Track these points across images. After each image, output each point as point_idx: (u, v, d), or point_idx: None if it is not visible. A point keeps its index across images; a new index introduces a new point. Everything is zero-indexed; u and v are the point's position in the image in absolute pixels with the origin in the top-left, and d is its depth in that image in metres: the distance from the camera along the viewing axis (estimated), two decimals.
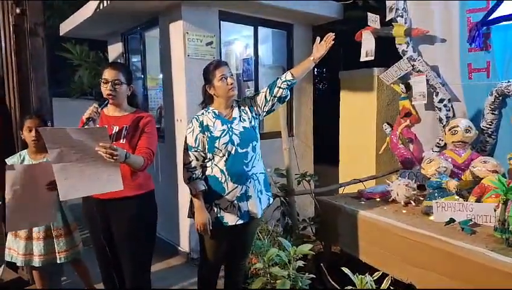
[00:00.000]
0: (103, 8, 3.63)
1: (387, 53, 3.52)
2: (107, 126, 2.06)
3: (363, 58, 3.54)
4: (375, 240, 2.63)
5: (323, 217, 3.19)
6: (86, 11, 4.03)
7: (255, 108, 2.40)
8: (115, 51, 4.95)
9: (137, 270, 2.35)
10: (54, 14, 7.27)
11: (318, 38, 2.35)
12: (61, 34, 5.02)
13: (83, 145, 1.92)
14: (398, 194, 2.84)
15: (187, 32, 3.47)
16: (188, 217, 2.41)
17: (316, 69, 5.52)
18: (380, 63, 3.74)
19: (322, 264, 2.49)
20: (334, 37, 2.31)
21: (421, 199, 2.84)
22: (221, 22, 3.74)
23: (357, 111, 4.24)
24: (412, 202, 2.83)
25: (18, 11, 2.91)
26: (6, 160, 2.60)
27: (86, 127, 2.03)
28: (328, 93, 6.03)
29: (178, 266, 3.73)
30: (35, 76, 2.97)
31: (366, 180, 3.49)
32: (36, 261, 2.59)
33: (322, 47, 2.31)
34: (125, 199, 2.20)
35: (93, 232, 2.39)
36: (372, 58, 3.46)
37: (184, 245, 3.84)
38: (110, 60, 5.13)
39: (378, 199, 3.01)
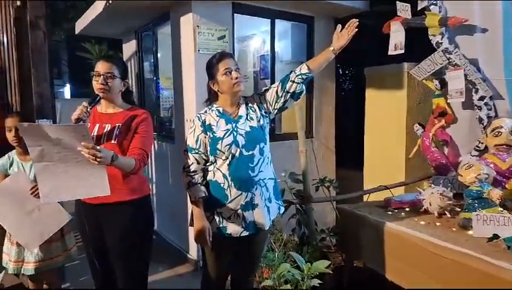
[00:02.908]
0: (112, 3, 3.52)
1: (419, 46, 3.23)
2: (90, 122, 1.88)
3: (391, 52, 3.27)
4: (403, 256, 2.40)
5: (344, 228, 2.98)
6: (97, 8, 3.94)
7: (265, 105, 2.18)
8: (129, 49, 4.90)
9: (132, 281, 2.18)
10: (78, 15, 7.34)
11: (339, 26, 2.10)
12: (76, 33, 5.01)
13: (65, 144, 1.77)
14: (430, 204, 2.59)
15: (197, 26, 3.31)
16: (190, 225, 2.20)
17: (338, 64, 5.25)
18: (411, 57, 3.48)
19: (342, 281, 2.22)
20: (357, 24, 2.04)
21: (458, 210, 2.57)
22: (235, 14, 3.56)
23: (384, 110, 4.01)
24: (447, 213, 2.57)
25: (18, 3, 2.85)
26: None
27: (65, 124, 1.85)
28: (353, 91, 5.78)
29: (186, 274, 3.62)
30: (36, 72, 2.85)
31: (394, 187, 3.25)
32: (28, 269, 2.45)
33: (343, 36, 2.05)
34: (116, 205, 2.05)
35: (84, 239, 2.23)
36: (402, 51, 3.19)
37: (193, 253, 3.71)
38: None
39: (407, 209, 2.77)
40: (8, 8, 2.87)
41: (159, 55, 4.30)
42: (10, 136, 2.42)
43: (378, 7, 4.19)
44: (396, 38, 3.23)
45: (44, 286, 2.64)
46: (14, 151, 2.51)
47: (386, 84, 3.98)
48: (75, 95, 14.25)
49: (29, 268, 2.44)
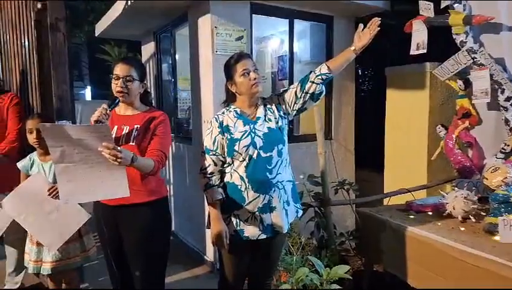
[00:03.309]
0: (132, 3, 3.54)
1: (442, 45, 3.14)
2: (109, 124, 1.88)
3: (413, 52, 3.18)
4: (426, 262, 2.33)
5: (364, 232, 2.91)
6: (117, 9, 3.96)
7: (284, 106, 2.13)
8: (147, 50, 4.90)
9: (150, 283, 2.17)
10: (98, 18, 7.46)
11: (361, 26, 2.04)
12: (96, 35, 5.05)
13: (85, 145, 1.76)
14: (454, 208, 2.51)
15: (215, 27, 3.28)
16: (207, 227, 2.17)
17: (358, 64, 5.16)
18: (434, 56, 3.37)
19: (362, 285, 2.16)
20: (379, 22, 1.99)
21: (483, 214, 2.47)
22: (253, 15, 3.51)
23: (406, 111, 3.90)
24: (471, 217, 2.48)
25: (39, 6, 2.86)
26: (17, 164, 2.54)
27: (87, 124, 1.84)
28: (373, 91, 5.66)
29: (203, 275, 3.59)
30: (56, 74, 2.87)
31: (416, 190, 3.17)
32: (45, 269, 2.47)
33: (365, 35, 2.00)
34: (134, 206, 2.04)
35: (102, 240, 2.23)
36: (425, 51, 3.09)
37: (210, 254, 3.68)
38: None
39: (430, 213, 2.69)
40: (29, 10, 2.89)
41: (177, 56, 4.29)
42: (31, 137, 2.44)
43: (399, 6, 4.10)
44: (419, 37, 3.14)
45: (64, 286, 2.66)
46: (34, 152, 2.53)
47: (407, 84, 3.88)
48: (95, 96, 14.47)
49: (46, 268, 2.45)
